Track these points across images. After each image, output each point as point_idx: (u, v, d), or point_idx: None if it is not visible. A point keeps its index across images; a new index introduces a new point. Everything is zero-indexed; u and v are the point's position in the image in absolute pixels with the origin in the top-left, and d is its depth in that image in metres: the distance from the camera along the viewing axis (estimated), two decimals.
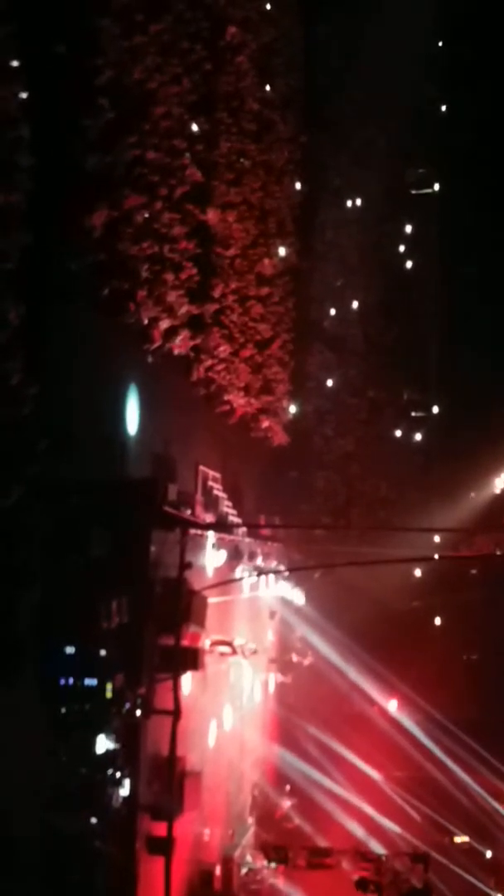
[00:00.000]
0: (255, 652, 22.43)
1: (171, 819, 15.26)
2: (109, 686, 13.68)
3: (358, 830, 24.44)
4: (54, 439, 12.98)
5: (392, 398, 33.35)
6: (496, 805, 28.09)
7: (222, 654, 19.88)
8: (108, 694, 13.68)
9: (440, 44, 34.04)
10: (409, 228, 34.17)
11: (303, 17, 27.74)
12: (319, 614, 27.92)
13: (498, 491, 32.78)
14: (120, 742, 14.03)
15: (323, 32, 29.57)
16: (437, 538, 28.35)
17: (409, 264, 34.17)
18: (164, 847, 15.22)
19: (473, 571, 31.81)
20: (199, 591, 16.63)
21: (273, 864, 21.64)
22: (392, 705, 29.56)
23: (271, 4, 24.44)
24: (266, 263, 24.32)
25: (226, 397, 22.76)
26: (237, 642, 20.74)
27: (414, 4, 30.23)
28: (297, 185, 27.69)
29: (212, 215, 20.25)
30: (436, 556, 27.03)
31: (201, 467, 20.59)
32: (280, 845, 22.33)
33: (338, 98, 30.15)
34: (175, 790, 15.56)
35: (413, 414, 33.98)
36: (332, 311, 31.40)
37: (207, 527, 18.66)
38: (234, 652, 20.54)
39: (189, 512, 17.61)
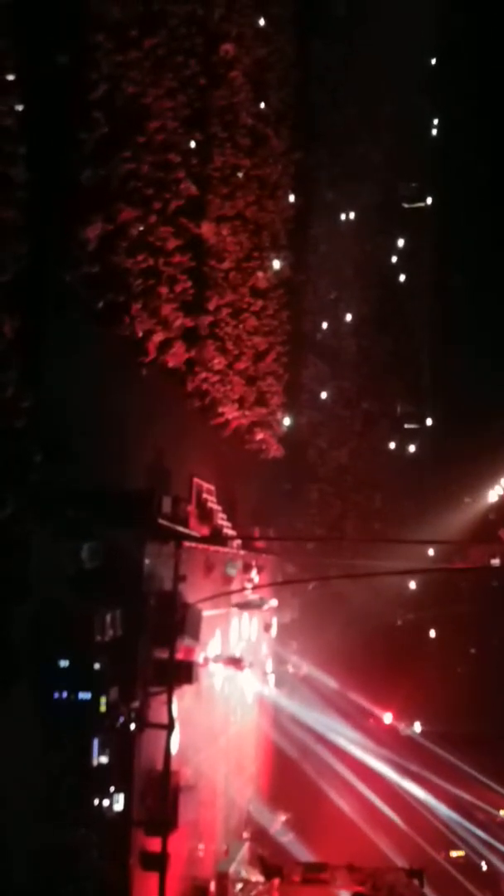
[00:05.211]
0: (250, 665, 22.34)
1: (165, 834, 15.14)
2: (103, 700, 13.60)
3: (354, 845, 24.29)
4: (49, 451, 12.99)
5: (386, 410, 33.46)
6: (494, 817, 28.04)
7: (216, 667, 19.81)
8: (102, 707, 13.61)
9: (433, 60, 34.42)
10: (402, 241, 34.38)
11: (297, 33, 27.95)
12: (314, 627, 27.85)
13: (491, 501, 32.85)
14: (114, 756, 13.95)
15: (317, 48, 29.80)
16: (431, 550, 28.35)
17: (402, 277, 34.37)
18: (158, 862, 15.09)
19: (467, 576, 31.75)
20: (194, 603, 16.58)
21: (268, 880, 21.48)
22: (387, 718, 29.51)
23: (265, 20, 24.62)
24: (260, 276, 24.41)
25: (220, 409, 22.78)
26: (231, 655, 20.66)
27: (407, 21, 30.51)
28: (291, 199, 27.81)
29: (206, 229, 20.33)
30: (430, 569, 27.00)
31: (196, 480, 20.59)
32: (275, 860, 22.19)
33: (331, 113, 30.35)
34: (169, 805, 15.45)
35: (406, 426, 34.06)
36: (326, 324, 31.51)
37: (202, 539, 18.62)
38: (229, 665, 20.46)
39: (183, 524, 17.58)
